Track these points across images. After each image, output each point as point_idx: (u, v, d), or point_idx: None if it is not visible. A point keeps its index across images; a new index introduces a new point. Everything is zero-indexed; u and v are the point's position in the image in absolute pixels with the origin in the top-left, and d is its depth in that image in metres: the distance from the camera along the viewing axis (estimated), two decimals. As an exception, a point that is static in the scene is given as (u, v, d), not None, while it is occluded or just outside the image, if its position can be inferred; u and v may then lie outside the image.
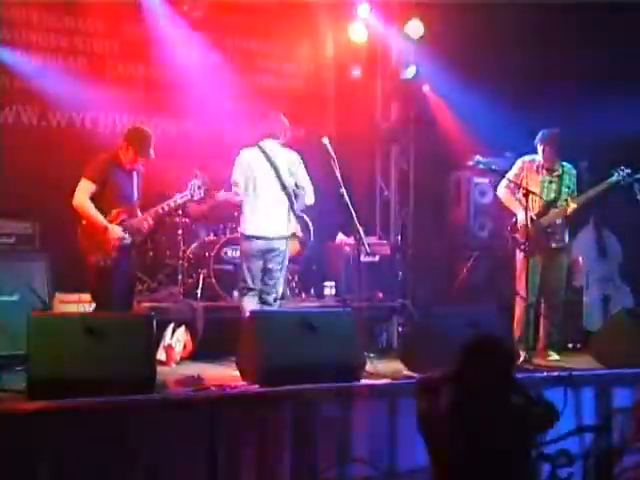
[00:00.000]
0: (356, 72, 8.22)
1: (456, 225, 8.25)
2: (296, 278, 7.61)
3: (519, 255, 6.24)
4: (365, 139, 8.26)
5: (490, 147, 7.28)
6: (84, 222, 5.56)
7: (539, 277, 6.23)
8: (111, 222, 5.56)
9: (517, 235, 6.23)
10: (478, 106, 7.66)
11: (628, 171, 6.13)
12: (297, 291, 7.58)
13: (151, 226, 5.78)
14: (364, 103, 8.27)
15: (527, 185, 6.19)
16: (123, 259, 5.62)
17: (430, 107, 8.22)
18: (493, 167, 6.33)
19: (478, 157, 6.19)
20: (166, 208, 5.78)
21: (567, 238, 6.46)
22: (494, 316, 5.43)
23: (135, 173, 5.73)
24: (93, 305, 5.71)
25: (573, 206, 6.23)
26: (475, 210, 8.18)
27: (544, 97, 7.60)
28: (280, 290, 5.94)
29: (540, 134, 6.33)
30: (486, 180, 8.12)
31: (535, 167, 6.36)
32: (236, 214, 6.15)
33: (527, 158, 6.37)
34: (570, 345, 6.86)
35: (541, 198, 6.26)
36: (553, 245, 6.32)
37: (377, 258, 7.55)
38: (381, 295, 7.54)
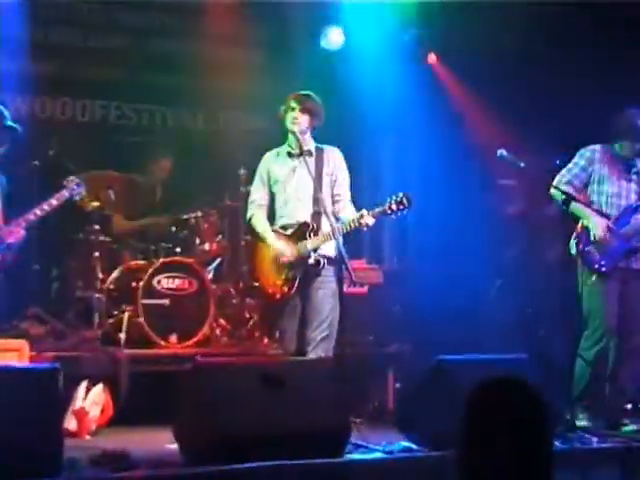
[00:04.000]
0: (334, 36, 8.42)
1: (473, 242, 8.24)
2: (256, 317, 7.68)
3: (588, 277, 6.27)
4: (350, 128, 8.40)
5: (522, 141, 7.45)
6: None
7: (616, 307, 6.28)
8: None
9: (591, 248, 6.25)
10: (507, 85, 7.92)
11: None
12: (258, 334, 7.63)
13: (22, 236, 6.01)
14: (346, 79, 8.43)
15: (599, 183, 6.33)
16: None
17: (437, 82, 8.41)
18: (522, 165, 6.31)
19: (502, 151, 6.18)
20: (39, 213, 6.08)
21: None
22: (529, 368, 5.48)
23: None
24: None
25: None
26: (499, 222, 8.25)
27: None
28: None
29: (622, 115, 6.35)
30: (512, 182, 8.23)
31: (609, 159, 6.40)
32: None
33: (598, 146, 6.42)
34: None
35: (618, 200, 6.33)
36: (634, 266, 6.36)
37: (366, 289, 7.61)
38: (372, 339, 7.60)
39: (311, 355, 5.82)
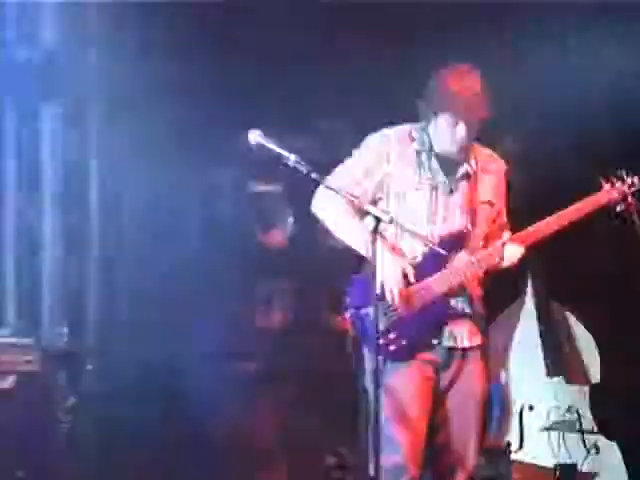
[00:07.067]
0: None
1: (202, 294, 8.15)
2: None
3: (366, 364, 6.02)
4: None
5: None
6: None
7: (425, 419, 6.06)
8: None
9: (372, 312, 5.67)
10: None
11: (635, 180, 6.32)
12: None
13: None
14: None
15: (398, 197, 6.18)
16: None
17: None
18: (292, 158, 5.56)
19: (256, 134, 5.59)
20: None
21: (484, 326, 6.43)
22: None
23: None
24: None
25: (517, 251, 6.10)
26: (252, 258, 8.23)
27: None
28: None
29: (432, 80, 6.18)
30: (275, 188, 8.37)
31: (414, 153, 6.21)
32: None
33: (398, 131, 6.23)
34: None
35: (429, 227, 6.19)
36: (458, 343, 6.17)
37: (12, 382, 7.36)
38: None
39: None
